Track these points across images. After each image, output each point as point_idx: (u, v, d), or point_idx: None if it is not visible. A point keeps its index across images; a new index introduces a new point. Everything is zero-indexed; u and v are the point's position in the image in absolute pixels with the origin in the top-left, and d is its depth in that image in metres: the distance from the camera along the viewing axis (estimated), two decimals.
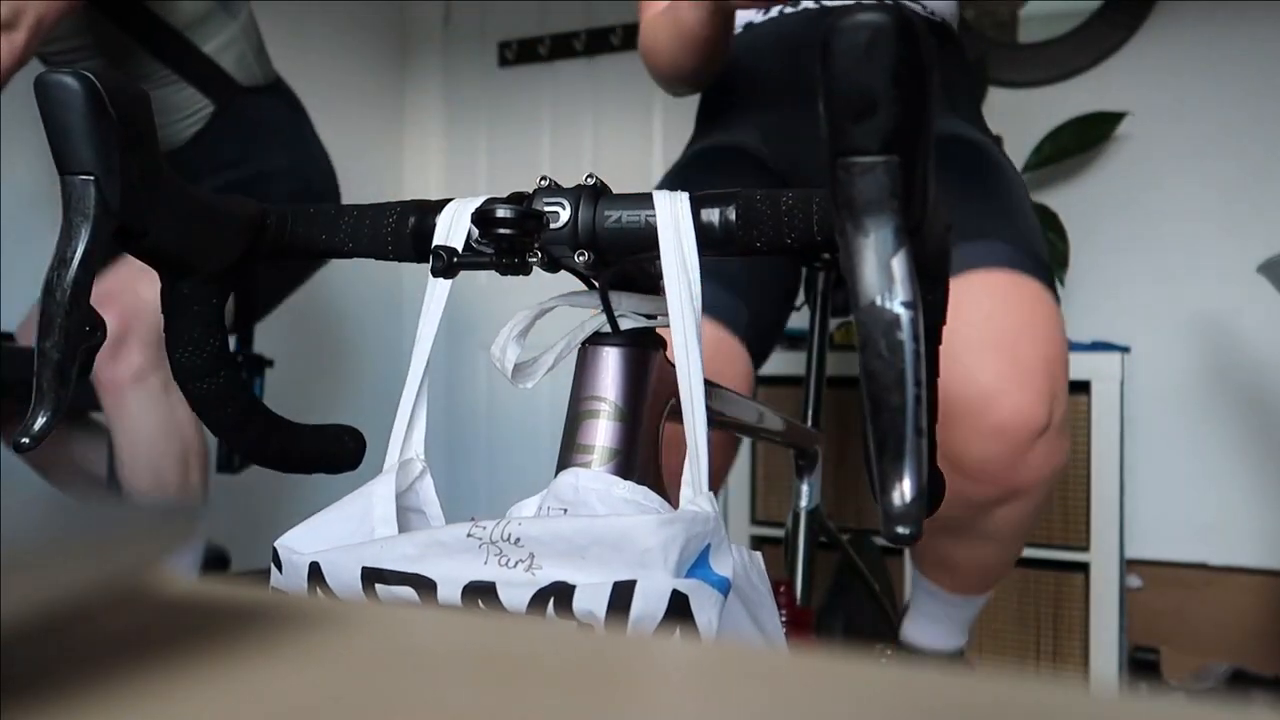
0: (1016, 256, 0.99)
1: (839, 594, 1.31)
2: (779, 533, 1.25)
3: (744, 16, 1.17)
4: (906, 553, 1.68)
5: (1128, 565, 2.02)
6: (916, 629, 1.22)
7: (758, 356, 1.12)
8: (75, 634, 0.22)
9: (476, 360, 2.83)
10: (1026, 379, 0.92)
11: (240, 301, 1.51)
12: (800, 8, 1.13)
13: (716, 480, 1.20)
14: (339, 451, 0.61)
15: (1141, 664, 2.01)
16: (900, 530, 0.35)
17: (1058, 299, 1.03)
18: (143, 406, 1.39)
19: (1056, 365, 0.96)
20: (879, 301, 0.36)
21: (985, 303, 0.95)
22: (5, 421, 1.57)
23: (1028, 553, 1.87)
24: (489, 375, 2.83)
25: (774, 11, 1.14)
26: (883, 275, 0.36)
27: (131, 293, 1.32)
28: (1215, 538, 2.10)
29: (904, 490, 0.35)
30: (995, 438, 0.92)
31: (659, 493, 0.50)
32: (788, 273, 1.20)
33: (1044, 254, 1.04)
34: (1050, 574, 1.86)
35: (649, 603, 0.42)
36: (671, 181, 1.14)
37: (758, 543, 2.07)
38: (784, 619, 1.06)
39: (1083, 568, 1.83)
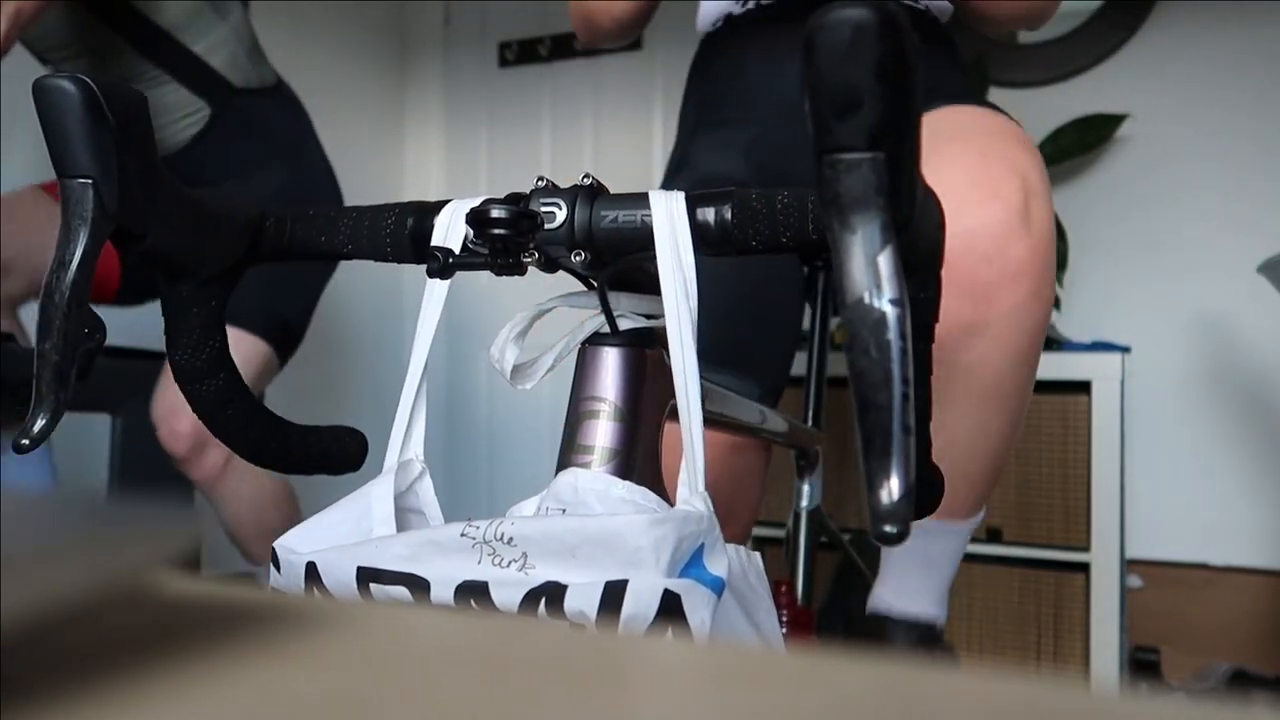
0: (984, 103, 0.99)
1: (840, 594, 1.32)
2: (780, 533, 1.25)
3: (722, 9, 1.14)
4: None
5: (1128, 565, 2.02)
6: (888, 591, 1.07)
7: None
8: (75, 634, 0.22)
9: (477, 361, 2.83)
10: (998, 187, 0.88)
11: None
12: None
13: (752, 509, 1.12)
14: (340, 452, 0.61)
15: (1142, 664, 2.01)
16: (888, 529, 0.35)
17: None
18: (235, 487, 1.52)
19: (1031, 182, 0.92)
20: (866, 299, 0.36)
21: (948, 128, 0.94)
22: (5, 422, 1.57)
23: (1028, 553, 1.87)
24: (490, 376, 2.83)
25: (751, 3, 1.11)
26: (869, 272, 0.36)
27: None
28: (1216, 538, 2.10)
29: (891, 488, 0.35)
30: (960, 241, 0.87)
31: (658, 493, 0.50)
32: (793, 321, 1.14)
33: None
34: (1050, 574, 1.86)
35: (640, 602, 0.42)
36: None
37: (759, 543, 2.07)
38: (785, 619, 1.06)
39: (1083, 568, 1.83)
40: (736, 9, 1.12)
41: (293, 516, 1.63)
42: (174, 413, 1.42)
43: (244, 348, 1.46)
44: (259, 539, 1.58)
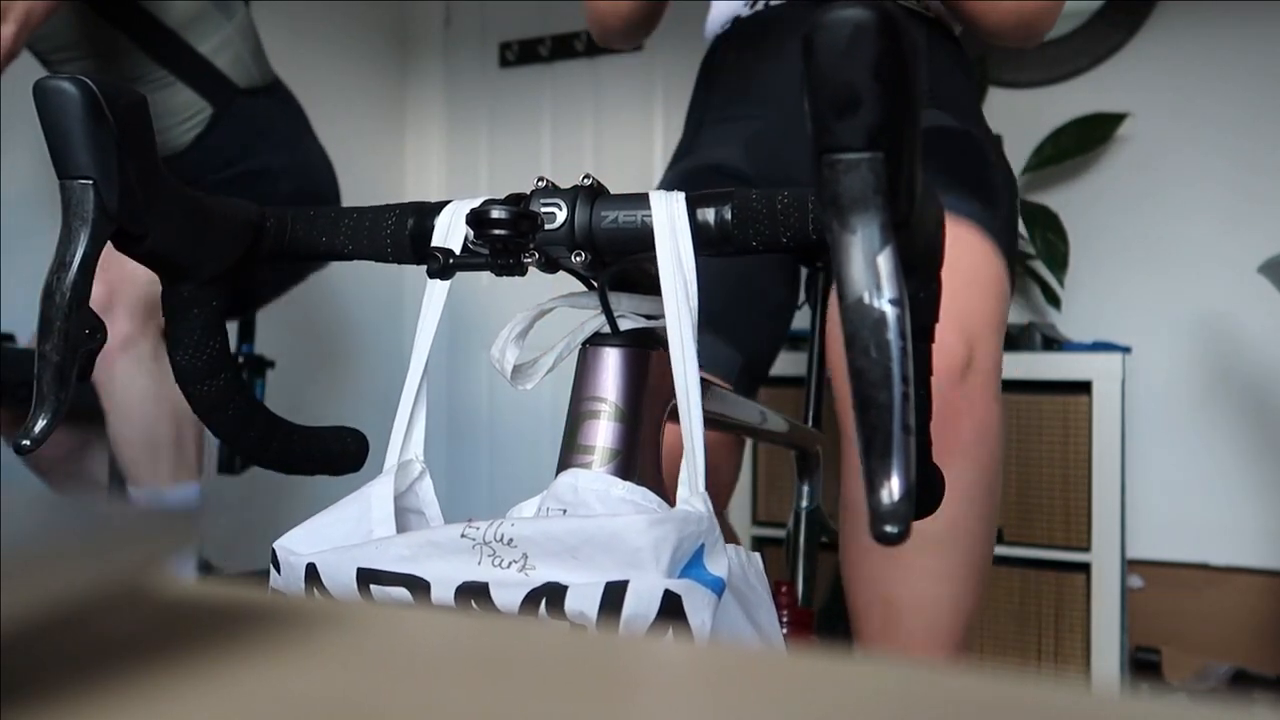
0: (962, 204, 0.93)
1: (840, 594, 1.31)
2: (780, 533, 1.25)
3: (731, 11, 1.16)
4: None
5: (1129, 565, 2.02)
6: None
7: (751, 395, 1.11)
8: (75, 635, 0.22)
9: (478, 361, 2.83)
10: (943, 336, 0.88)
11: (241, 292, 1.53)
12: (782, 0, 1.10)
13: (725, 492, 1.18)
14: (341, 453, 0.61)
15: (1143, 664, 2.01)
16: (888, 529, 0.34)
17: (1010, 262, 0.98)
18: (131, 373, 1.38)
19: (977, 315, 0.91)
20: (866, 299, 0.36)
21: None
22: (6, 422, 1.57)
23: (1029, 553, 1.87)
24: (490, 376, 2.84)
25: (759, 4, 1.13)
26: (869, 272, 0.36)
27: (117, 262, 1.32)
28: (1216, 538, 2.10)
29: (892, 488, 0.35)
30: None
31: (659, 493, 0.50)
32: (781, 303, 1.17)
33: (1005, 219, 0.98)
34: (1051, 574, 1.86)
35: (641, 603, 0.42)
36: None
37: (759, 543, 2.07)
38: (785, 619, 1.06)
39: (1084, 568, 1.83)
40: (745, 10, 1.13)
41: (183, 445, 1.43)
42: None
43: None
44: (137, 439, 1.40)
